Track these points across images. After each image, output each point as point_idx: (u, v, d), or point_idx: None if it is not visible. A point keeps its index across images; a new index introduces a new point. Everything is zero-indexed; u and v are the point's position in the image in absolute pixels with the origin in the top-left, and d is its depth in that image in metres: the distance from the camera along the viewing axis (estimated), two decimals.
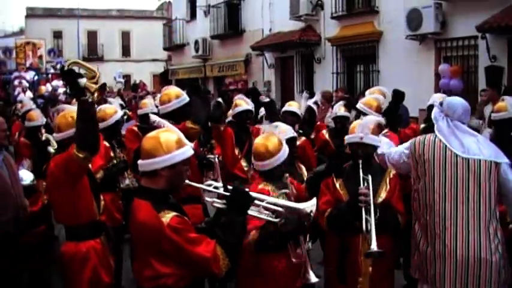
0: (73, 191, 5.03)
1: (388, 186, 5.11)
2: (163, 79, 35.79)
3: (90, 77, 4.85)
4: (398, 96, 7.35)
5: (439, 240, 4.58)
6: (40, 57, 33.28)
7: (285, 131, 5.80)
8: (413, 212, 4.92)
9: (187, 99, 6.27)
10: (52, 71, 32.43)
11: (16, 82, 28.40)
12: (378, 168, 5.22)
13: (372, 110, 6.92)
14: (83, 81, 4.75)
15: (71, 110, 5.66)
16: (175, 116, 6.15)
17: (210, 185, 4.09)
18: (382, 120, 5.59)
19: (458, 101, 4.90)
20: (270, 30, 22.86)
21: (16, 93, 25.07)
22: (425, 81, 15.37)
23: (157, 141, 3.67)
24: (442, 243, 4.56)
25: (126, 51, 52.24)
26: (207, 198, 4.08)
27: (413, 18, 15.43)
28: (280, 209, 4.20)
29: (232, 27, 25.84)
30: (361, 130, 5.07)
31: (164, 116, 6.19)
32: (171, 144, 3.67)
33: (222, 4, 26.14)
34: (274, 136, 5.07)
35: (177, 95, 6.31)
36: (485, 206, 4.54)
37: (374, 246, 4.51)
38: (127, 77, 47.94)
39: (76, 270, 5.15)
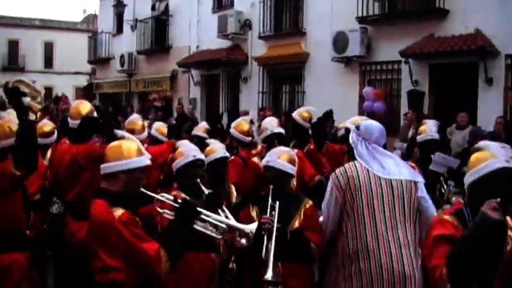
0: (5, 200, 4.86)
1: (302, 217, 5.04)
2: (86, 92, 35.18)
3: (33, 97, 4.76)
4: (328, 113, 8.05)
5: (373, 258, 4.53)
6: None
7: (217, 150, 5.92)
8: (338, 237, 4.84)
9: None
10: None
11: None
12: (293, 197, 5.26)
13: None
14: (26, 100, 4.70)
15: (7, 119, 5.42)
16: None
17: (162, 196, 4.35)
18: (293, 153, 5.57)
19: (374, 125, 5.06)
20: (198, 47, 22.80)
21: None
22: (350, 102, 15.63)
23: (120, 147, 4.05)
24: (377, 260, 4.52)
25: (48, 62, 51.05)
26: (159, 209, 4.32)
27: (340, 41, 15.72)
28: (224, 226, 4.44)
29: (159, 42, 25.66)
30: (270, 155, 5.28)
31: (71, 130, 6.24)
32: (132, 151, 4.04)
33: (150, 19, 25.91)
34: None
35: (88, 112, 6.31)
36: (410, 224, 4.63)
37: (269, 276, 4.47)
38: (49, 90, 46.99)
39: None
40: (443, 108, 13.67)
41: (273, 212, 4.84)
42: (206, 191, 4.97)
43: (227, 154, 6.07)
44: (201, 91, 23.33)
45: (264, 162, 5.28)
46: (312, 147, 7.71)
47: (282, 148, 5.57)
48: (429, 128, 7.04)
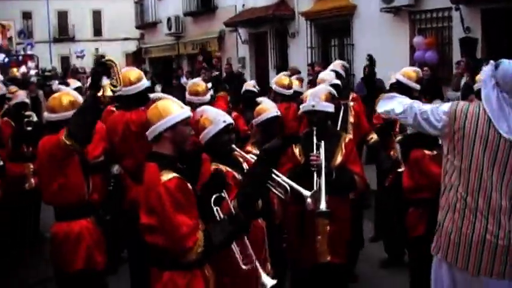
0: (61, 172, 5.07)
1: (344, 151, 5.42)
2: (135, 58, 35.51)
3: (113, 85, 4.85)
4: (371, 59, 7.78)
5: (479, 224, 4.14)
6: (10, 38, 32.77)
7: (269, 109, 6.02)
8: (443, 185, 4.44)
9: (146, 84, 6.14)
10: (23, 52, 32.03)
11: None
12: (333, 134, 5.58)
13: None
14: (105, 81, 4.82)
15: (67, 92, 5.75)
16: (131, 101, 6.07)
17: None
18: (332, 90, 5.83)
19: None
20: (243, 5, 22.63)
21: None
22: (400, 53, 15.33)
23: (156, 108, 4.08)
24: (483, 228, 4.12)
25: (97, 30, 51.64)
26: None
27: None
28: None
29: (205, 3, 25.63)
30: (312, 99, 5.41)
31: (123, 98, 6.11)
32: (168, 108, 4.06)
33: None
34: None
35: (138, 78, 6.14)
36: None
37: (323, 207, 4.75)
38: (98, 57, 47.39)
39: (70, 251, 5.13)
40: (497, 56, 13.23)
41: (320, 150, 5.13)
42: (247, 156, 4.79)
43: (279, 113, 6.08)
44: (249, 50, 23.26)
45: (308, 107, 5.40)
46: (354, 96, 7.90)
47: (321, 88, 5.74)
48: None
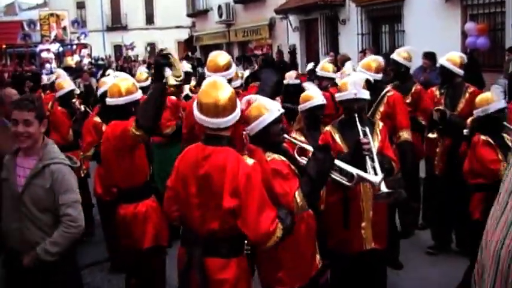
0: (129, 157, 5.34)
1: (380, 136, 5.49)
2: (187, 46, 35.85)
3: (176, 76, 5.07)
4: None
5: None
6: (64, 28, 33.41)
7: (315, 96, 6.20)
8: None
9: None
10: (76, 41, 32.65)
11: (42, 54, 28.68)
12: (367, 121, 5.58)
13: (371, 71, 7.04)
14: (168, 72, 5.00)
15: (125, 77, 6.05)
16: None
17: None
18: (369, 77, 6.04)
19: None
20: None
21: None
22: (452, 39, 15.13)
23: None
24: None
25: (149, 19, 52.18)
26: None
27: None
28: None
29: None
30: (354, 87, 5.43)
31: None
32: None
33: None
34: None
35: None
36: None
37: (384, 188, 4.67)
38: (152, 45, 48.07)
39: (140, 230, 5.43)
40: None
41: (367, 135, 5.17)
42: (301, 144, 4.89)
43: (324, 101, 6.18)
44: (299, 37, 23.27)
45: (351, 95, 5.44)
46: (419, 87, 7.86)
47: (359, 76, 5.79)
48: None
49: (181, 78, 5.13)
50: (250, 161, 4.00)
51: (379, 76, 7.07)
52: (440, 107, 7.30)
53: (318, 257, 4.97)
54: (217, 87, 4.09)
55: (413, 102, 7.65)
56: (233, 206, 3.87)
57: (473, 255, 5.80)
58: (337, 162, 4.53)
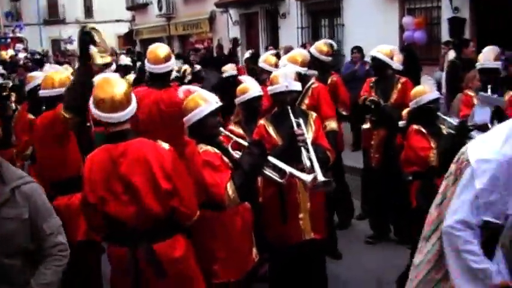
0: (62, 147, 5.18)
1: (314, 127, 5.51)
2: (127, 39, 35.41)
3: (100, 51, 4.92)
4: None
5: None
6: None
7: (252, 88, 6.13)
8: None
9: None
10: (11, 35, 31.85)
11: None
12: (300, 112, 5.65)
13: (298, 64, 7.05)
14: (93, 49, 4.81)
15: (60, 70, 5.96)
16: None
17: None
18: (301, 69, 6.19)
19: None
20: None
21: None
22: (390, 33, 15.36)
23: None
24: None
25: (88, 12, 51.25)
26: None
27: None
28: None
29: None
30: (285, 79, 5.45)
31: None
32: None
33: None
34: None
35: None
36: None
37: (321, 177, 4.78)
38: None
39: (73, 223, 5.19)
40: (486, 35, 13.32)
41: (301, 126, 5.22)
42: (235, 138, 4.92)
43: (261, 93, 6.17)
44: (240, 30, 23.25)
45: (282, 87, 5.44)
46: (335, 79, 7.93)
47: (290, 69, 5.90)
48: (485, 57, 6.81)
49: (108, 55, 5.00)
50: (165, 145, 4.10)
51: (305, 69, 7.10)
52: (374, 97, 7.40)
53: (254, 250, 5.01)
54: (112, 82, 4.12)
55: (331, 94, 7.64)
56: (169, 188, 3.97)
57: (413, 243, 5.93)
58: (271, 158, 4.64)
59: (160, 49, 6.16)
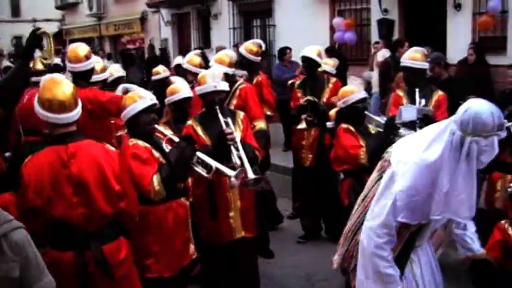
0: None
1: (242, 126, 5.59)
2: (56, 39, 34.70)
3: (44, 58, 4.88)
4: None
5: None
6: None
7: (182, 89, 6.10)
8: None
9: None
10: None
11: None
12: (228, 112, 5.70)
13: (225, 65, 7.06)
14: (37, 54, 4.92)
15: None
16: None
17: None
18: (228, 70, 6.23)
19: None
20: None
21: None
22: (321, 34, 15.55)
23: None
24: None
25: (15, 11, 49.99)
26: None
27: None
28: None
29: None
30: (213, 79, 5.49)
31: None
32: None
33: None
34: None
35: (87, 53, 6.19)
36: None
37: (252, 175, 4.95)
38: (18, 39, 46.12)
39: None
40: (414, 36, 13.62)
41: (230, 125, 5.30)
42: (170, 135, 5.00)
43: (191, 94, 6.16)
44: (172, 31, 23.12)
45: (210, 87, 5.47)
46: (260, 79, 7.94)
47: (217, 69, 5.97)
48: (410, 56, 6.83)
49: (50, 61, 4.99)
50: (112, 148, 4.16)
51: (233, 70, 7.14)
52: (309, 97, 7.47)
53: (192, 247, 5.04)
54: (59, 83, 4.05)
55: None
56: (120, 190, 3.99)
57: None
58: (199, 153, 4.73)
59: (80, 48, 6.26)
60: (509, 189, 4.86)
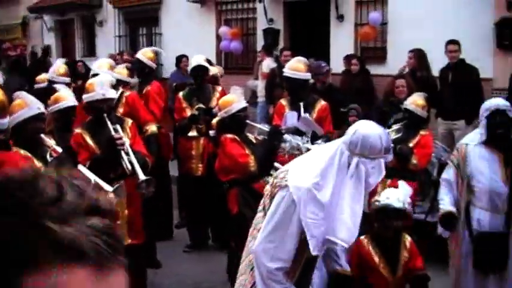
0: None
1: (130, 133, 5.69)
2: None
3: None
4: None
5: None
6: None
7: (66, 98, 6.02)
8: None
9: None
10: None
11: None
12: (116, 119, 5.80)
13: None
14: None
15: None
16: None
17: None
18: (113, 78, 6.23)
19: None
20: None
21: None
22: (207, 43, 15.61)
23: None
24: None
25: None
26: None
27: None
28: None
29: None
30: (101, 87, 5.52)
31: None
32: None
33: None
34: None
35: None
36: None
37: (142, 176, 5.13)
38: None
39: None
40: (299, 46, 13.92)
41: (119, 131, 5.38)
42: (54, 146, 4.91)
43: (76, 103, 6.07)
44: (55, 38, 22.51)
45: (99, 95, 5.49)
46: (148, 89, 7.92)
47: (105, 77, 6.02)
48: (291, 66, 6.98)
49: None
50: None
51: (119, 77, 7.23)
52: (201, 105, 7.50)
53: None
54: None
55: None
56: None
57: (230, 248, 6.06)
58: (80, 166, 4.76)
59: None
60: (376, 203, 4.90)
